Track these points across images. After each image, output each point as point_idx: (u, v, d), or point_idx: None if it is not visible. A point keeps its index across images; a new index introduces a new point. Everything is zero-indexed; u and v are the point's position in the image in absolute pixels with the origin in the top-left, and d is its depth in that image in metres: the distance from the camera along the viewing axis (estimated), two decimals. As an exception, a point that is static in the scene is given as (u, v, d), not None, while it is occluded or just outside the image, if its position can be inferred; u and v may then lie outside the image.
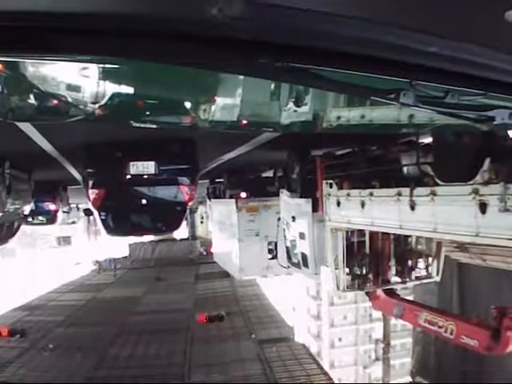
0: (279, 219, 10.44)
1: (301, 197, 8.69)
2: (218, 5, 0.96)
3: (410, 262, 7.95)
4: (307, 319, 34.06)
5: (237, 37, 1.10)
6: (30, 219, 14.34)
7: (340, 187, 7.19)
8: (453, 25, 1.12)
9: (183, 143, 6.77)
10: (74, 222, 24.12)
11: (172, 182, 7.11)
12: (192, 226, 29.70)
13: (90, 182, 7.05)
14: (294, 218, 9.07)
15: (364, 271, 7.72)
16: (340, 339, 33.26)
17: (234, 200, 12.83)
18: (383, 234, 7.39)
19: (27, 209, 11.25)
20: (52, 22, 1.02)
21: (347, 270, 7.57)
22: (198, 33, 1.08)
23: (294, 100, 1.68)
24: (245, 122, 1.85)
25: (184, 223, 12.45)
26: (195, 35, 1.09)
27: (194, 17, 1.02)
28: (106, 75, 1.50)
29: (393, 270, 7.88)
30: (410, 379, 13.28)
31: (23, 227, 13.36)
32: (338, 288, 7.61)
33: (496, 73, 1.31)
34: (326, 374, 11.15)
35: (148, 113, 1.80)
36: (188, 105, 1.76)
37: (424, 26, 1.11)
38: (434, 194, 4.99)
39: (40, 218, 14.81)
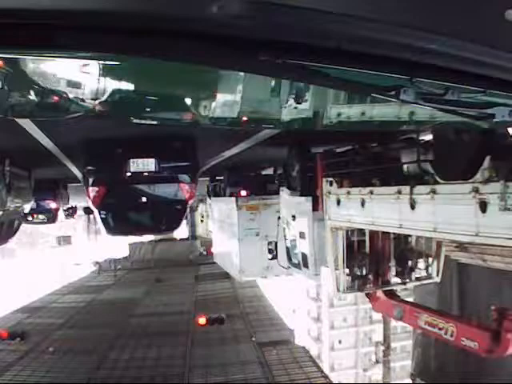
0: (279, 218, 10.32)
1: (301, 195, 8.58)
2: (219, 3, 0.97)
3: (410, 263, 7.84)
4: (307, 321, 33.96)
5: (237, 34, 1.11)
6: (29, 218, 14.29)
7: (340, 185, 7.09)
8: (453, 23, 1.12)
9: (183, 140, 6.77)
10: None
11: (172, 179, 7.11)
12: (192, 225, 29.34)
13: (90, 180, 7.05)
14: (294, 216, 8.95)
15: (364, 272, 7.60)
16: (340, 341, 33.17)
17: (234, 198, 12.71)
18: (383, 233, 7.31)
19: (27, 207, 11.21)
20: (53, 20, 1.03)
21: (347, 270, 7.45)
22: (199, 30, 1.09)
23: (294, 97, 1.68)
24: (245, 118, 1.85)
25: (184, 222, 12.39)
26: (196, 33, 1.09)
27: (194, 15, 1.03)
28: (106, 72, 1.50)
29: (393, 271, 7.79)
30: (410, 382, 13.23)
31: (23, 226, 13.32)
32: (338, 289, 7.48)
33: (496, 70, 1.32)
34: (326, 376, 11.12)
35: (148, 109, 1.81)
36: (188, 101, 1.76)
37: (424, 23, 1.11)
38: (434, 192, 4.95)
39: (40, 216, 14.77)
